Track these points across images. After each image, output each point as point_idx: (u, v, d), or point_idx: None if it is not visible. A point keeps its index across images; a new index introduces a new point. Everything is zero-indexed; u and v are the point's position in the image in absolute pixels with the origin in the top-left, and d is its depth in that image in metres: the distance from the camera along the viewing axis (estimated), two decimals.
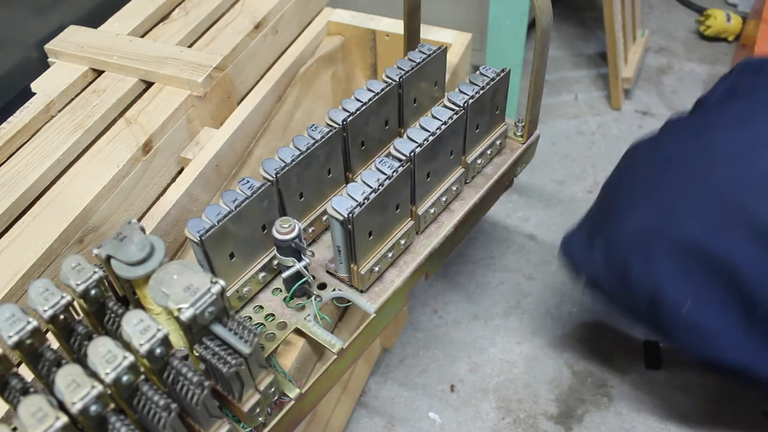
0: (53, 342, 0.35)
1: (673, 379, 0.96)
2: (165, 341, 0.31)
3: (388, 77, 0.51)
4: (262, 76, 0.67)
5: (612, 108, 1.39)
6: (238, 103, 0.64)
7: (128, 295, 0.39)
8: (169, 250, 0.55)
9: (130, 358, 0.30)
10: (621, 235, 0.66)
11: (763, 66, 0.67)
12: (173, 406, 0.31)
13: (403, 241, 0.48)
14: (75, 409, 0.28)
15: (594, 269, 0.70)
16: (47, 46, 0.64)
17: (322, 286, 0.47)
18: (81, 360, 0.35)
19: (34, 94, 0.60)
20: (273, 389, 0.39)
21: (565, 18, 1.64)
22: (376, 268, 0.46)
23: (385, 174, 0.43)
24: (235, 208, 0.41)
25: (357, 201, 0.41)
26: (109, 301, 0.36)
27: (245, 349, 0.33)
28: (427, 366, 1.00)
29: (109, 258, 0.36)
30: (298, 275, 0.43)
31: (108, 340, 0.30)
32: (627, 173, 0.72)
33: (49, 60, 0.65)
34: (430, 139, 0.45)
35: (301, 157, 0.44)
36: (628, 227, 0.65)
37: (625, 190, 0.70)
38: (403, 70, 0.51)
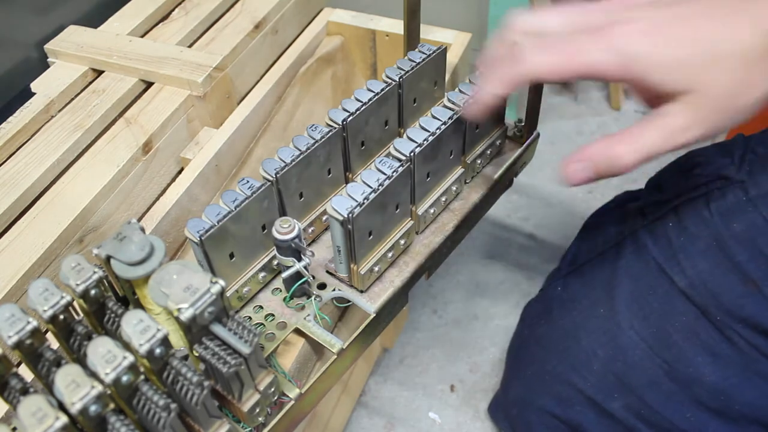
0: (53, 342, 0.35)
1: None
2: (165, 341, 0.31)
3: (388, 77, 0.51)
4: (262, 76, 0.67)
5: (612, 108, 1.39)
6: (238, 103, 0.64)
7: (128, 295, 0.39)
8: (169, 250, 0.55)
9: (130, 358, 0.30)
10: (508, 402, 0.82)
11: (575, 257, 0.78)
12: (173, 406, 0.31)
13: (403, 241, 0.48)
14: (75, 409, 0.28)
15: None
16: (47, 46, 0.64)
17: (322, 286, 0.47)
18: (81, 360, 0.35)
19: (34, 94, 0.60)
20: (273, 389, 0.39)
21: None
22: (376, 268, 0.46)
23: (385, 174, 0.43)
24: (235, 208, 0.41)
25: (357, 201, 0.41)
26: (109, 301, 0.36)
27: (245, 349, 0.33)
28: (427, 366, 1.00)
29: (108, 258, 0.36)
30: (298, 275, 0.43)
31: (108, 340, 0.30)
32: (515, 342, 0.87)
33: (49, 60, 0.65)
34: (430, 139, 0.45)
35: (301, 157, 0.44)
36: (512, 395, 0.80)
37: (510, 362, 0.86)
38: (403, 70, 0.51)
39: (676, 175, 0.65)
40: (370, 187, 0.42)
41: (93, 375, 0.30)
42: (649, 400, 0.61)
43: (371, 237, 0.44)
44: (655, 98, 0.40)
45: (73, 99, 0.60)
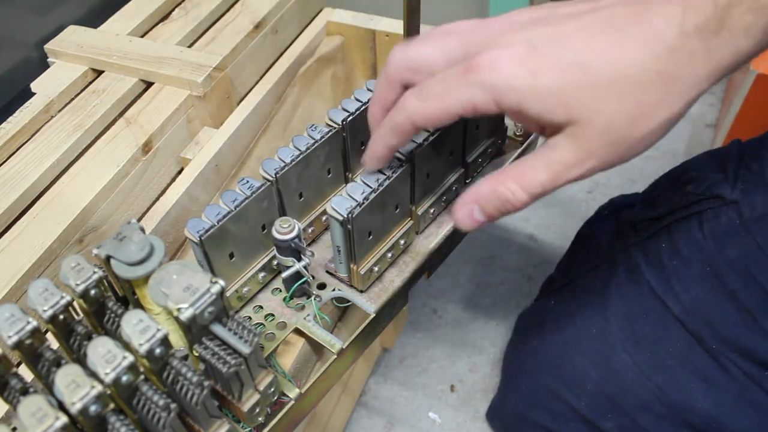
0: (53, 342, 0.35)
1: None
2: (164, 341, 0.31)
3: None
4: (262, 76, 0.67)
5: None
6: (238, 103, 0.64)
7: (128, 295, 0.39)
8: (169, 250, 0.55)
9: (130, 358, 0.30)
10: (504, 413, 0.83)
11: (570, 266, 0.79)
12: (173, 406, 0.31)
13: (402, 241, 0.48)
14: (75, 409, 0.29)
15: None
16: (47, 46, 0.64)
17: (322, 286, 0.47)
18: (81, 360, 0.35)
19: (34, 94, 0.60)
20: (273, 389, 0.39)
21: None
22: (376, 268, 0.46)
23: (385, 174, 0.43)
24: (235, 208, 0.41)
25: (357, 201, 0.41)
26: (109, 301, 0.36)
27: (245, 349, 0.33)
28: (427, 366, 1.00)
29: (108, 258, 0.36)
30: (298, 275, 0.43)
31: (107, 340, 0.30)
32: (509, 353, 0.87)
33: (49, 60, 0.65)
34: (430, 138, 0.45)
35: (301, 157, 0.44)
36: (508, 407, 0.81)
37: (505, 373, 0.87)
38: None
39: (669, 190, 0.63)
40: (370, 187, 0.42)
41: (93, 375, 0.30)
42: (642, 422, 0.60)
43: (371, 237, 0.44)
44: (544, 128, 0.35)
45: (73, 99, 0.60)
